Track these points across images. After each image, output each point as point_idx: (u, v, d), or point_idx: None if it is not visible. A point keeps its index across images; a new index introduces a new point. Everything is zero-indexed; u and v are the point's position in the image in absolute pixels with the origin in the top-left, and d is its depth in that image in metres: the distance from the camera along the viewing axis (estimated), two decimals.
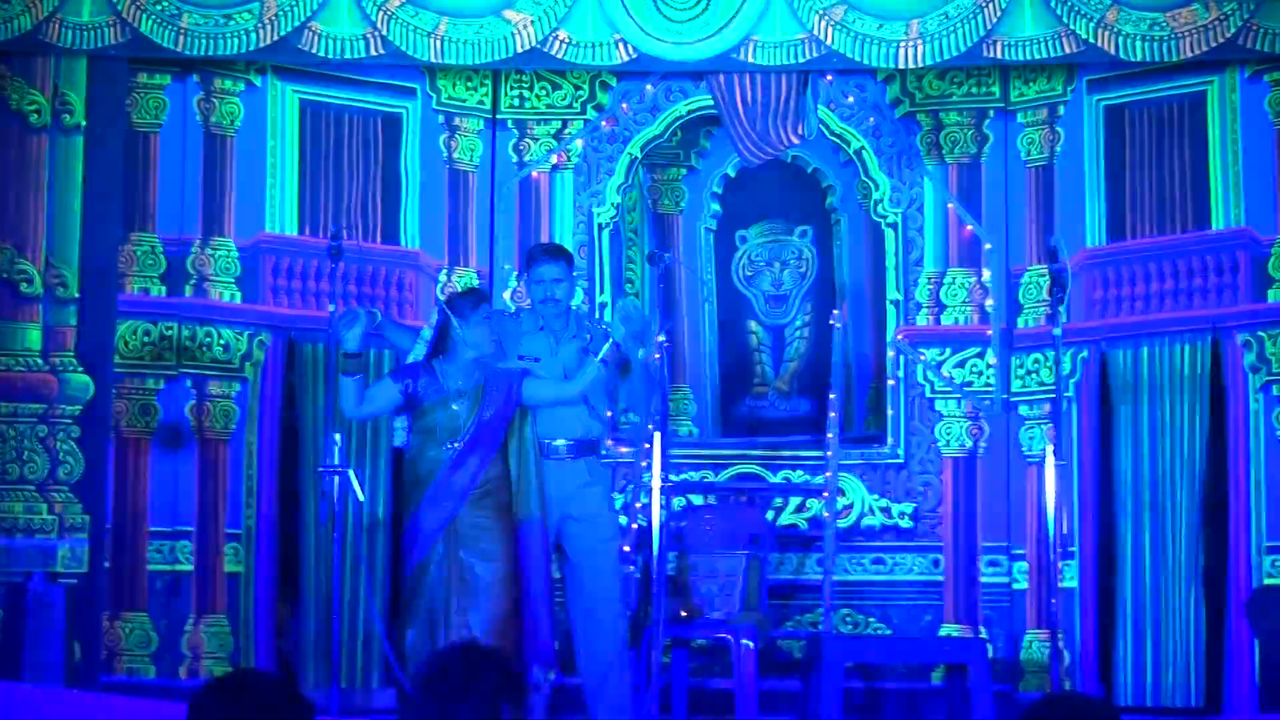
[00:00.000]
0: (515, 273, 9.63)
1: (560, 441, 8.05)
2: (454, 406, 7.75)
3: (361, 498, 8.43)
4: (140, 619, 8.83)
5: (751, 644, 8.44)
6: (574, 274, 8.36)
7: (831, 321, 9.72)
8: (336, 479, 8.03)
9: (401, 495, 8.19)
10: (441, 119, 9.70)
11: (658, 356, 7.77)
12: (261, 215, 9.20)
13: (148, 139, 9.00)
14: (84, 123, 8.67)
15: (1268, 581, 8.59)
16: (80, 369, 8.55)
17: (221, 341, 9.04)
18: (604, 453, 8.39)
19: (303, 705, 3.67)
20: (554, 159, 9.78)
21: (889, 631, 9.56)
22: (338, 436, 8.08)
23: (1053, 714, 4.00)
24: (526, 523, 7.76)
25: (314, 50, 8.67)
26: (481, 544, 7.69)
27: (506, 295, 9.61)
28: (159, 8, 8.53)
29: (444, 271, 9.62)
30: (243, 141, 9.18)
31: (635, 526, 8.80)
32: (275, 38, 8.62)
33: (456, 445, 7.71)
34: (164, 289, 8.98)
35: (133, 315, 8.88)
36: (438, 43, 8.66)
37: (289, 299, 9.22)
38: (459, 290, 8.75)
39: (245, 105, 9.19)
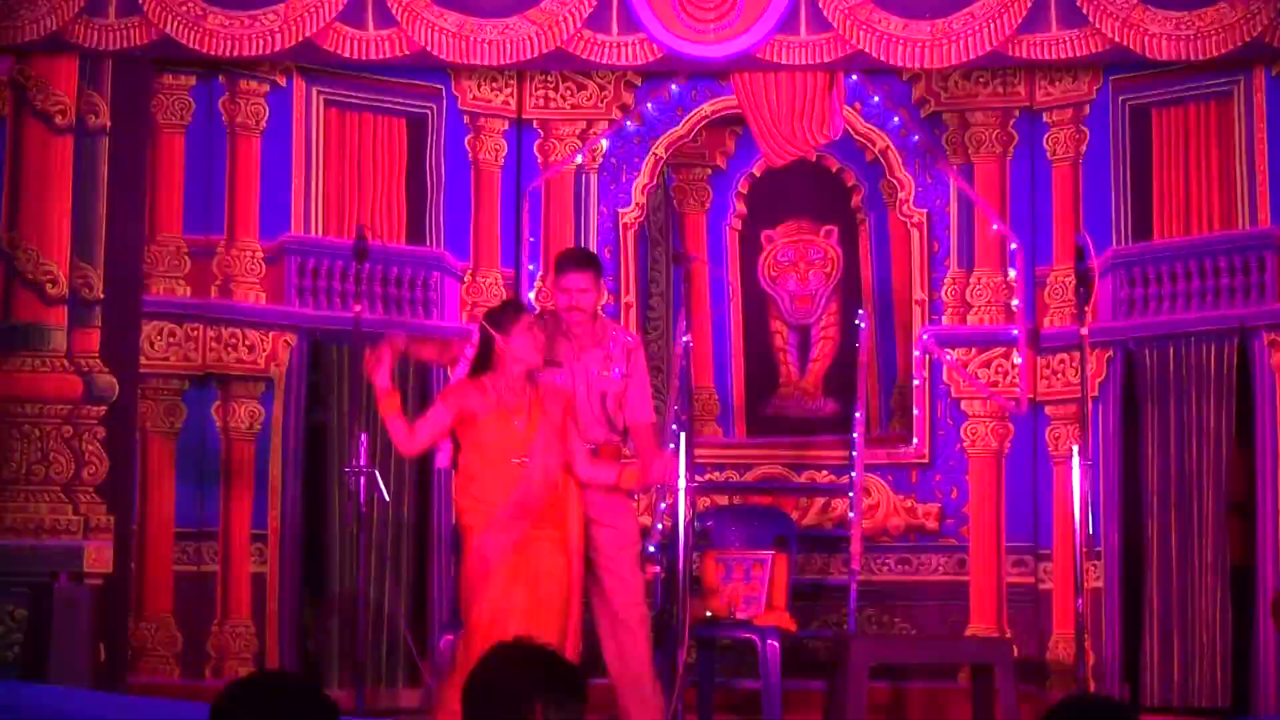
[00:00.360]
0: (540, 273, 9.62)
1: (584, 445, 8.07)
2: (513, 422, 7.63)
3: (387, 498, 8.44)
4: (166, 620, 8.84)
5: (777, 644, 8.43)
6: (602, 281, 8.30)
7: (857, 321, 9.71)
8: (362, 479, 8.03)
9: (447, 510, 8.09)
10: (466, 119, 9.70)
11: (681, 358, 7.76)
12: (286, 216, 9.22)
13: (172, 140, 9.02)
14: (109, 124, 8.69)
15: None
16: (105, 370, 8.56)
17: (247, 342, 9.05)
18: (625, 456, 8.37)
19: (328, 706, 3.66)
20: (579, 159, 9.78)
21: (914, 632, 9.54)
22: (364, 437, 8.08)
23: (1072, 716, 3.98)
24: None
25: (339, 51, 8.68)
26: (549, 559, 7.56)
27: (532, 295, 9.60)
28: (184, 9, 8.54)
29: (469, 272, 9.62)
30: (268, 142, 9.20)
31: (661, 527, 8.79)
32: (300, 38, 8.62)
33: (521, 460, 7.53)
34: (189, 290, 9.00)
35: (158, 316, 8.90)
36: (462, 43, 8.66)
37: (314, 300, 9.24)
38: (497, 305, 8.67)
39: (270, 106, 9.21)
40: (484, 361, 7.59)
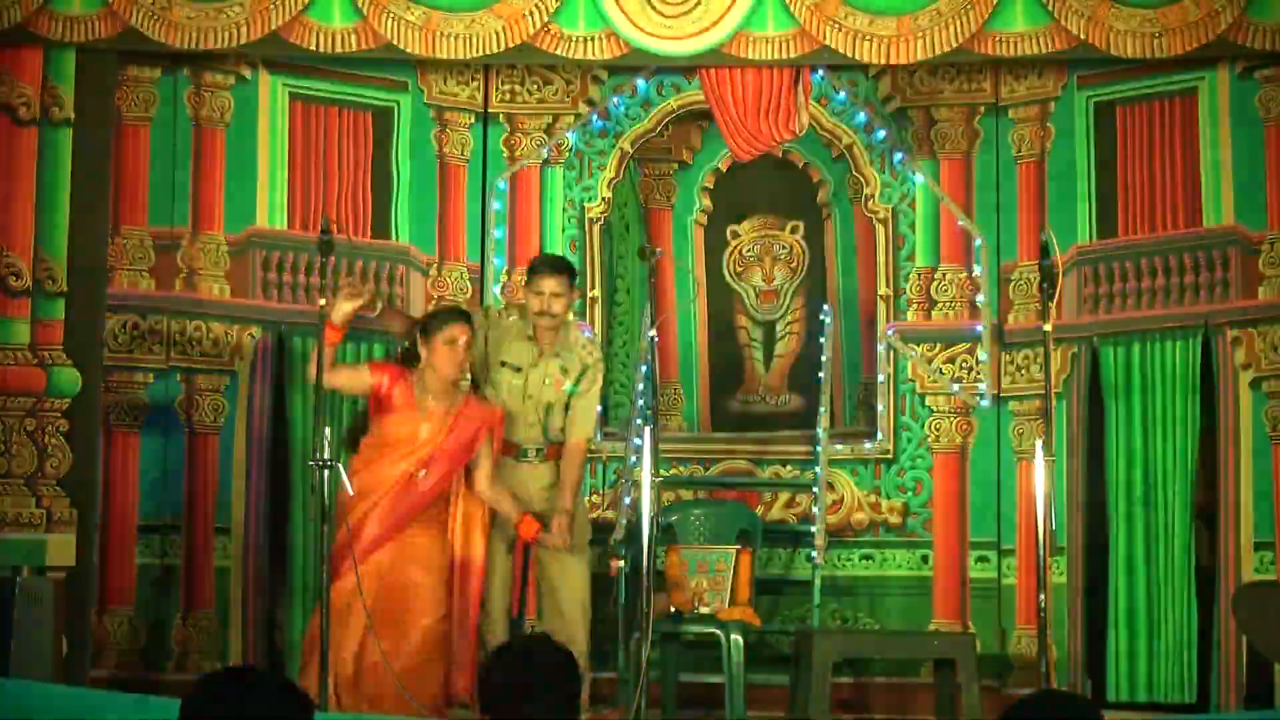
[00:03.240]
0: (505, 268, 9.63)
1: (530, 445, 8.10)
2: (421, 426, 7.74)
3: (350, 491, 8.42)
4: (128, 613, 8.82)
5: (740, 639, 8.44)
6: (574, 289, 8.33)
7: (821, 317, 9.72)
8: (326, 473, 8.02)
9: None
10: (432, 113, 9.69)
11: (645, 344, 7.77)
12: (252, 209, 9.20)
13: (137, 132, 8.98)
14: (73, 116, 8.64)
15: (1256, 577, 8.60)
16: (69, 363, 8.52)
17: (211, 335, 9.03)
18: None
19: (302, 701, 3.65)
20: (545, 153, 9.77)
21: (878, 627, 9.56)
22: (328, 431, 8.06)
23: (1034, 713, 3.99)
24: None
25: (305, 44, 8.64)
26: (424, 557, 7.72)
27: (497, 290, 9.60)
28: (149, 1, 8.50)
29: (435, 266, 9.61)
30: (233, 135, 9.17)
31: (625, 521, 8.79)
32: (266, 31, 8.59)
33: (415, 469, 7.70)
34: (153, 282, 8.97)
35: (122, 309, 8.87)
36: (429, 37, 8.64)
37: (279, 293, 9.22)
38: (440, 309, 8.63)
39: (236, 99, 9.18)
40: (411, 358, 7.74)
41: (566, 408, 8.15)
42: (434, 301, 9.53)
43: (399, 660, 7.56)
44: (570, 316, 8.38)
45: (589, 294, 9.75)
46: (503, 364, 8.10)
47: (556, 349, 8.15)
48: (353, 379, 7.90)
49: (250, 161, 9.20)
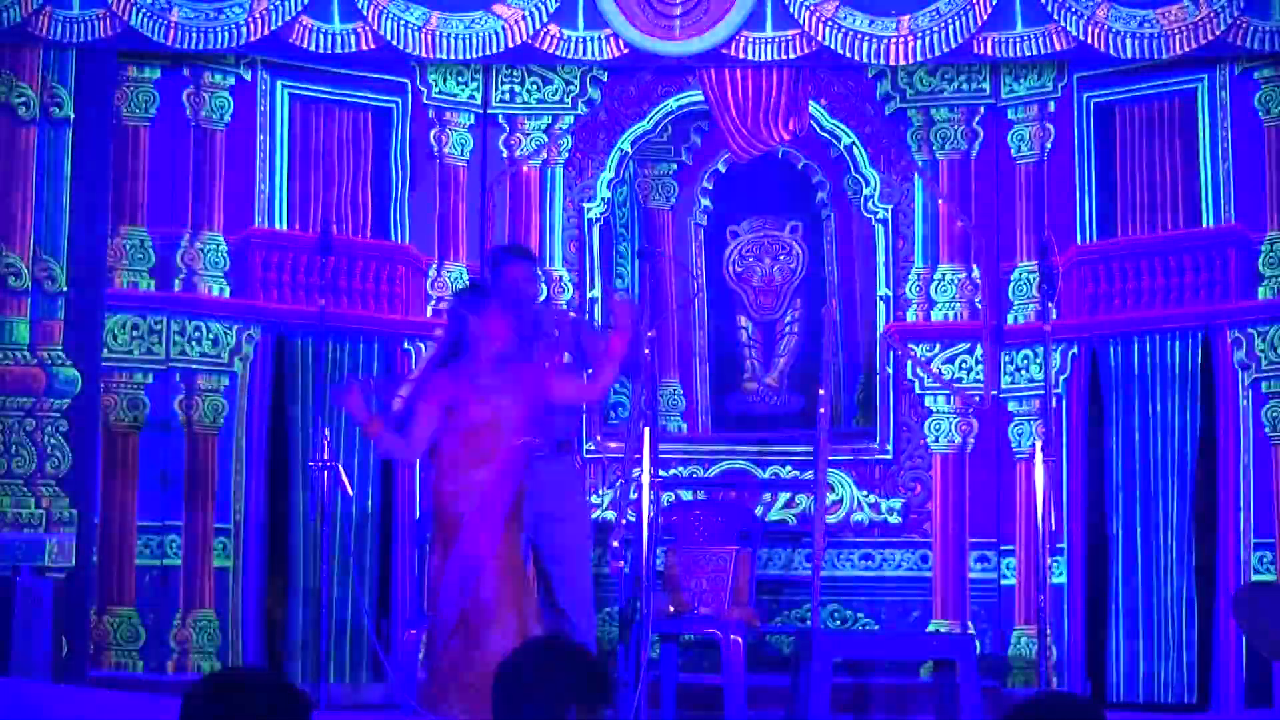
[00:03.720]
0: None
1: (540, 440, 8.08)
2: (499, 401, 7.57)
3: (351, 492, 8.43)
4: (128, 614, 8.82)
5: (740, 639, 8.44)
6: (539, 273, 8.35)
7: (822, 317, 9.71)
8: (326, 473, 8.03)
9: (410, 504, 8.11)
10: (432, 113, 9.69)
11: (647, 352, 7.74)
12: (251, 209, 9.19)
13: (137, 132, 8.99)
14: (73, 116, 8.65)
15: (1256, 577, 8.60)
16: (68, 363, 8.53)
17: (210, 336, 9.03)
18: (581, 454, 8.39)
19: (301, 703, 3.65)
20: (545, 154, 9.78)
21: (877, 627, 9.56)
22: (327, 431, 8.08)
23: (1038, 714, 3.98)
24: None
25: (304, 44, 8.65)
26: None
27: None
28: (149, 1, 8.51)
29: (434, 266, 9.61)
30: (232, 135, 9.17)
31: (625, 522, 8.79)
32: (265, 32, 8.59)
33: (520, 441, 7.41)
34: (153, 283, 8.97)
35: (121, 309, 8.87)
36: (428, 37, 8.64)
37: (278, 293, 9.22)
38: (462, 289, 8.64)
39: (235, 99, 9.18)
40: (455, 347, 7.55)
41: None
42: (434, 302, 9.54)
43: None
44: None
45: (588, 294, 9.76)
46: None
47: (536, 328, 8.16)
48: (428, 425, 7.45)
49: (249, 162, 9.20)
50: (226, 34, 8.58)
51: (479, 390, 7.44)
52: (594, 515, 8.92)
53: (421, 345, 9.44)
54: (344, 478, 8.10)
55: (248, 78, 9.22)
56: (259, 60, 9.16)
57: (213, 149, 9.13)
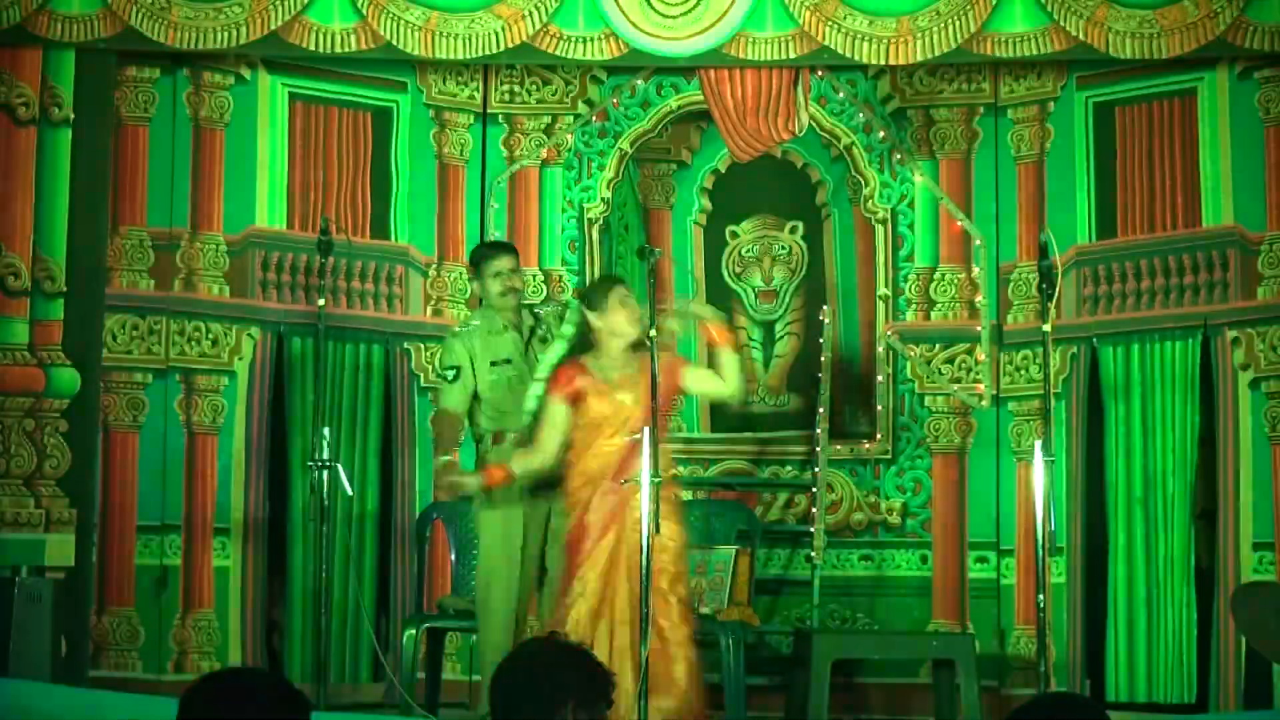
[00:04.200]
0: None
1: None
2: (619, 397, 7.61)
3: (350, 492, 8.43)
4: (127, 614, 8.82)
5: (740, 640, 8.43)
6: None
7: (821, 317, 9.71)
8: (325, 473, 8.02)
9: (409, 502, 8.11)
10: (432, 113, 9.69)
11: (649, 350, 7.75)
12: (251, 209, 9.20)
13: (136, 132, 8.99)
14: (72, 116, 8.66)
15: (1255, 577, 8.60)
16: (68, 363, 8.53)
17: (210, 336, 9.03)
18: None
19: (300, 701, 3.65)
20: (545, 153, 9.78)
21: (877, 627, 9.56)
22: (326, 431, 8.08)
23: (1040, 715, 3.98)
24: None
25: (304, 44, 8.66)
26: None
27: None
28: (149, 1, 8.51)
29: (434, 266, 9.61)
30: (232, 135, 9.17)
31: None
32: (265, 31, 8.61)
33: (635, 435, 7.38)
34: (152, 283, 8.97)
35: (121, 309, 8.87)
36: (428, 37, 8.65)
37: (278, 293, 9.23)
38: (588, 284, 8.73)
39: (235, 99, 9.18)
40: (583, 343, 7.65)
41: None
42: (434, 302, 9.54)
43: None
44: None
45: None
46: (493, 364, 8.07)
47: (529, 325, 8.17)
48: (561, 427, 7.63)
49: (249, 161, 9.20)
50: (226, 33, 8.59)
51: (603, 385, 7.59)
52: None
53: (421, 345, 9.46)
54: (343, 477, 8.09)
55: (248, 77, 9.22)
56: (259, 60, 9.16)
57: (212, 148, 9.13)
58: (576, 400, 7.61)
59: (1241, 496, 8.77)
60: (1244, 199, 8.86)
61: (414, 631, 8.48)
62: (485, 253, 8.30)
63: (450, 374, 8.04)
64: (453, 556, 8.94)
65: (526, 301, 8.48)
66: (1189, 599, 8.90)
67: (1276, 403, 8.72)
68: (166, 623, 8.88)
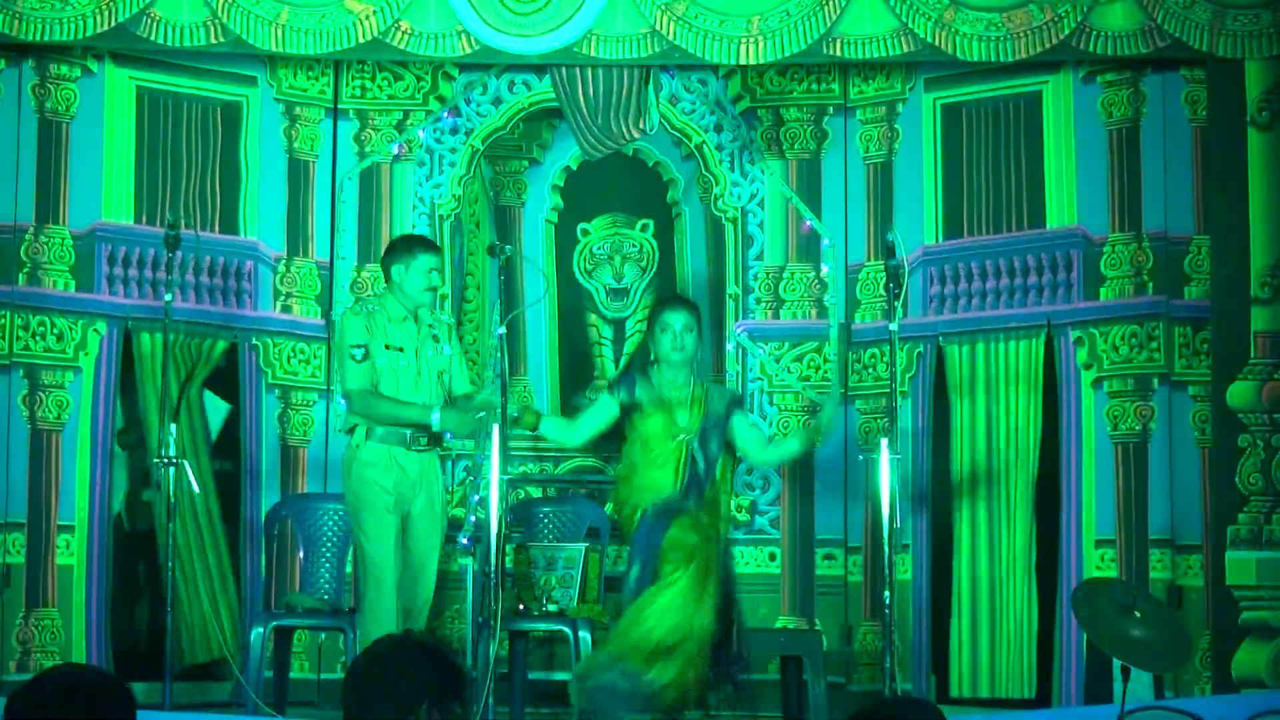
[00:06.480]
0: (355, 264, 9.61)
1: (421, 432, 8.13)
2: (675, 414, 7.93)
3: (197, 489, 8.37)
4: None
5: (589, 636, 8.44)
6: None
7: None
8: (171, 470, 7.97)
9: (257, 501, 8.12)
10: (282, 108, 9.63)
11: (497, 353, 7.79)
12: (98, 203, 9.10)
13: None
14: None
15: (1096, 574, 8.72)
16: None
17: (55, 331, 8.92)
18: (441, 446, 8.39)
19: (125, 698, 3.62)
20: (396, 150, 9.74)
21: None
22: (174, 428, 8.01)
23: (880, 717, 4.02)
24: None
25: (153, 37, 8.59)
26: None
27: (348, 286, 9.58)
28: None
29: (283, 261, 9.55)
30: (79, 128, 9.06)
31: (474, 519, 8.78)
32: (113, 23, 8.52)
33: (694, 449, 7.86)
34: None
35: None
36: (279, 31, 8.60)
37: (125, 288, 9.13)
38: (667, 296, 8.93)
39: (82, 92, 9.07)
40: (645, 355, 7.85)
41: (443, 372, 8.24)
42: (282, 297, 9.50)
43: None
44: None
45: (439, 291, 9.72)
46: (387, 347, 8.10)
47: (428, 321, 8.23)
48: (601, 418, 8.19)
49: (96, 155, 9.10)
50: (73, 25, 8.50)
51: (661, 400, 7.94)
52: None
53: (269, 342, 9.40)
54: (190, 474, 8.03)
55: (95, 70, 9.12)
56: (106, 52, 9.06)
57: (59, 141, 9.02)
58: (629, 411, 8.00)
59: (1083, 494, 8.90)
60: (1087, 201, 8.99)
61: (261, 630, 8.43)
62: (422, 247, 8.31)
63: (359, 353, 8.06)
64: (301, 554, 8.89)
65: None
66: (1031, 595, 9.02)
67: (1118, 402, 8.86)
68: (9, 621, 8.77)
